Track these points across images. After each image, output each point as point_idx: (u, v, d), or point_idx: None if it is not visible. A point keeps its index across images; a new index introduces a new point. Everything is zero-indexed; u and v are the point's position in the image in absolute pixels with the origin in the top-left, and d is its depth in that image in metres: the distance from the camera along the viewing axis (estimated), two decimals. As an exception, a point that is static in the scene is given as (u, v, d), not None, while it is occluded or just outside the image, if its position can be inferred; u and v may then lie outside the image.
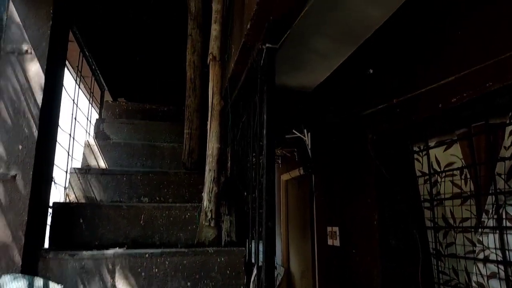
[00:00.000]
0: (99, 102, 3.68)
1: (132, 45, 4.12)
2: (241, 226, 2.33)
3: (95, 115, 3.75)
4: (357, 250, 2.99)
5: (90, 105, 3.30)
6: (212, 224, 2.18)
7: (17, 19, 1.92)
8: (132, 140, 3.21)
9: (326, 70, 3.30)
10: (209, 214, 2.17)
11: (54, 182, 2.21)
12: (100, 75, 3.33)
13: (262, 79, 1.91)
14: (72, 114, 2.63)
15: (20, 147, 1.84)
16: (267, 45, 1.84)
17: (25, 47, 1.91)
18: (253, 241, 2.04)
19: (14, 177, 1.82)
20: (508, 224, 1.91)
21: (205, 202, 2.18)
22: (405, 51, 2.43)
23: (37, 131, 1.85)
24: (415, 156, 2.65)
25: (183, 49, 3.01)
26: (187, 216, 2.32)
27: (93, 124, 3.29)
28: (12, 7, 1.93)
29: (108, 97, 3.87)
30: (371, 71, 2.67)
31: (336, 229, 3.39)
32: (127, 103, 3.74)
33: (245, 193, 2.36)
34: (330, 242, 3.51)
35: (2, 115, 1.84)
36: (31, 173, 1.83)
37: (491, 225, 2.02)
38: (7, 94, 1.87)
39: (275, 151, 1.79)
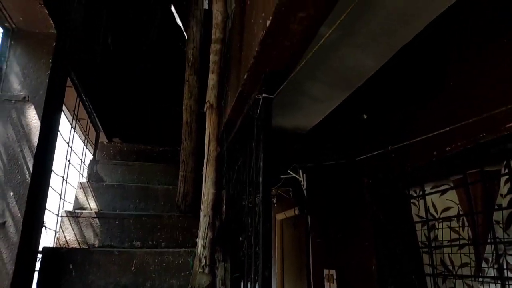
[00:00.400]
0: (93, 143, 3.69)
1: (128, 87, 4.21)
2: (236, 272, 2.28)
3: (89, 156, 3.74)
4: (354, 295, 2.93)
5: (85, 147, 3.31)
6: (206, 271, 2.13)
7: (17, 68, 1.96)
8: (126, 181, 3.19)
9: (320, 113, 3.37)
10: (203, 261, 2.12)
11: (45, 227, 2.17)
12: (96, 117, 3.36)
13: (258, 127, 1.94)
14: (66, 157, 2.63)
15: (12, 193, 1.82)
16: (263, 95, 1.89)
17: (22, 94, 1.94)
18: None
19: (4, 224, 1.78)
20: (510, 274, 1.89)
21: (200, 248, 2.14)
22: (399, 99, 2.50)
23: (30, 177, 1.84)
24: (412, 200, 2.66)
25: (177, 92, 3.08)
26: (180, 261, 2.28)
27: (87, 165, 3.28)
28: (12, 57, 1.98)
29: (103, 137, 3.88)
30: (365, 116, 2.73)
31: (333, 272, 3.32)
32: (122, 144, 3.75)
33: (241, 238, 2.33)
34: (327, 285, 3.43)
35: (-3, 161, 1.84)
36: (22, 220, 1.80)
37: (492, 274, 1.99)
38: (2, 140, 1.87)
39: (271, 199, 1.79)
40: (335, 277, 3.32)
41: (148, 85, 4.56)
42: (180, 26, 5.15)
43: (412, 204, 2.73)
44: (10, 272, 1.71)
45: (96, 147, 3.65)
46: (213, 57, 2.12)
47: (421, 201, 2.67)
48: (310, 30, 1.64)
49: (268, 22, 1.55)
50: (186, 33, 3.16)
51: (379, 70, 2.61)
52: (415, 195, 2.68)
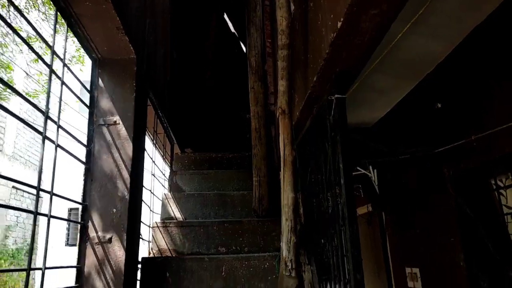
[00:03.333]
0: (169, 155, 3.92)
1: (194, 99, 4.42)
2: (320, 275, 2.30)
3: (165, 168, 3.99)
4: (443, 292, 2.81)
5: (164, 160, 3.53)
6: (293, 274, 2.17)
7: (106, 94, 2.15)
8: (203, 189, 3.35)
9: (386, 106, 3.27)
10: (289, 264, 2.17)
11: (142, 239, 2.36)
12: (170, 130, 3.57)
13: (333, 128, 1.95)
14: (151, 171, 2.83)
15: (115, 210, 2.00)
16: (336, 96, 1.89)
17: (114, 118, 2.12)
18: (336, 291, 2.00)
19: (111, 239, 1.97)
20: None
21: (284, 252, 2.19)
22: (477, 84, 2.36)
23: (128, 194, 2.01)
24: (500, 190, 2.50)
25: (240, 98, 3.18)
26: (266, 266, 2.34)
27: (167, 177, 3.50)
28: (101, 85, 2.17)
29: (176, 149, 4.12)
30: (439, 105, 2.61)
31: (416, 270, 3.21)
32: (194, 153, 3.94)
33: (322, 241, 2.35)
34: (410, 284, 3.32)
35: (98, 182, 2.04)
36: (125, 234, 1.97)
37: None
38: (101, 162, 2.07)
39: (355, 200, 1.79)
40: (419, 275, 3.21)
41: (212, 94, 4.76)
42: (235, 34, 5.30)
43: (500, 195, 2.57)
44: (121, 283, 1.89)
45: (172, 158, 3.88)
46: (281, 63, 2.17)
47: (509, 191, 2.49)
48: (382, 27, 1.62)
49: (339, 23, 1.56)
50: (247, 41, 3.24)
51: (450, 55, 2.49)
52: (502, 185, 2.51)
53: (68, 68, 1.84)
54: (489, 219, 2.43)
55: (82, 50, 6.49)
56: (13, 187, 10.10)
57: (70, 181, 4.94)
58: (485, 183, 2.49)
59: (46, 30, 5.91)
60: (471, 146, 2.32)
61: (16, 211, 10.37)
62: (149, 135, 3.01)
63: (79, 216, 1.98)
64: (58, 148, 1.70)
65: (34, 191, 1.47)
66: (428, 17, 2.17)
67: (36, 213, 1.42)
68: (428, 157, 2.77)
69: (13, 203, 9.91)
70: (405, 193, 3.26)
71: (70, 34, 1.98)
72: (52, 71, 1.69)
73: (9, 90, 7.20)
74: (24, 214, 10.68)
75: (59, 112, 1.72)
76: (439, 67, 2.59)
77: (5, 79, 6.71)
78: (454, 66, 2.49)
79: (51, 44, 1.70)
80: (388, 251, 3.68)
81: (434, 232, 2.85)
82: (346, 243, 1.76)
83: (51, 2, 1.75)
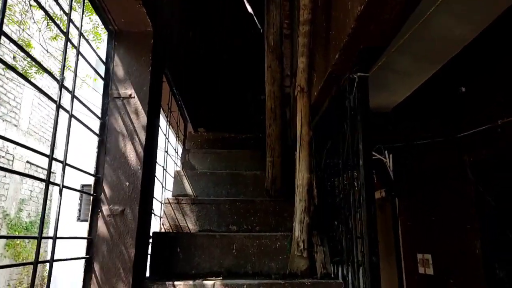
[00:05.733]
0: (182, 133, 3.90)
1: (209, 78, 4.37)
2: (332, 256, 2.27)
3: (175, 145, 3.97)
4: (455, 280, 2.76)
5: (177, 138, 3.51)
6: (304, 255, 2.15)
7: (122, 67, 2.11)
8: (216, 168, 3.34)
9: (406, 90, 3.18)
10: (301, 244, 2.15)
11: (154, 214, 2.35)
12: (184, 109, 3.54)
13: (353, 108, 1.89)
14: (165, 148, 2.81)
15: (127, 183, 1.98)
16: (358, 74, 1.83)
17: (129, 92, 2.09)
18: (349, 273, 1.98)
19: (123, 211, 1.96)
20: None
21: (297, 232, 2.16)
22: (504, 68, 2.25)
23: (141, 169, 1.99)
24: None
25: (254, 79, 3.12)
26: (277, 245, 2.32)
27: (179, 155, 3.48)
28: (117, 58, 2.13)
29: (189, 128, 4.10)
30: (463, 89, 2.52)
31: (428, 256, 3.17)
32: (208, 133, 3.92)
33: (336, 223, 2.32)
34: (421, 270, 3.29)
35: (111, 155, 2.02)
36: (137, 208, 1.96)
37: None
38: (115, 135, 2.04)
39: (374, 182, 1.74)
40: (431, 261, 3.16)
41: (226, 74, 4.70)
42: (251, 13, 5.19)
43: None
44: (132, 256, 1.88)
45: (185, 137, 3.86)
46: (302, 40, 2.09)
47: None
48: (413, 0, 1.54)
49: (368, -4, 1.48)
50: (266, 19, 3.15)
51: (476, 38, 2.38)
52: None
53: (84, 37, 1.80)
54: (510, 208, 2.36)
55: (99, 29, 6.46)
56: (27, 162, 10.27)
57: (84, 155, 4.97)
58: (508, 171, 2.41)
59: (64, 5, 5.87)
60: (496, 132, 2.23)
61: (30, 186, 10.58)
62: (163, 112, 2.98)
63: (92, 188, 1.97)
64: (72, 119, 1.67)
65: (47, 164, 1.45)
66: (459, -5, 2.07)
67: (48, 182, 1.40)
68: (448, 143, 2.69)
69: (26, 178, 10.09)
70: (421, 179, 3.19)
71: (88, 8, 1.93)
72: (68, 40, 1.65)
73: (34, 68, 7.24)
74: (37, 189, 10.88)
75: (74, 81, 1.68)
76: (464, 50, 2.49)
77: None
78: (480, 49, 2.39)
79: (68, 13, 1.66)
80: (400, 237, 3.64)
81: (449, 218, 2.80)
82: (362, 226, 1.72)
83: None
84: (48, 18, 1.64)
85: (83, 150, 6.48)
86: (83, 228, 2.03)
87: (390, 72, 2.90)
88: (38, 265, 1.43)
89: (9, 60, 8.52)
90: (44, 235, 1.57)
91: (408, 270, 3.52)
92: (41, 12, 5.96)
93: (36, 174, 10.74)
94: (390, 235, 4.09)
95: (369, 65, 1.89)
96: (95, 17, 5.27)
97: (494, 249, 2.40)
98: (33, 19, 5.95)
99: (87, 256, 1.92)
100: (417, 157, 3.25)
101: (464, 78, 2.62)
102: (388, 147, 3.67)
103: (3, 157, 9.25)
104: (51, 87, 11.16)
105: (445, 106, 2.83)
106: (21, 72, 6.38)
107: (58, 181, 1.61)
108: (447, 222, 2.86)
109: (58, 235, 1.58)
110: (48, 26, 5.88)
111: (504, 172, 2.39)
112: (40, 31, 5.66)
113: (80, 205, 11.54)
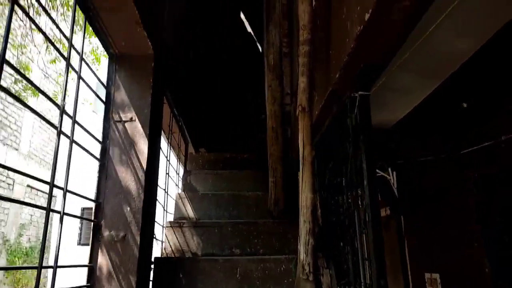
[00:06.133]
0: (184, 154, 3.88)
1: (212, 98, 4.40)
2: (338, 279, 2.22)
3: (178, 167, 3.95)
4: (465, 300, 2.69)
5: (178, 159, 3.49)
6: (310, 278, 2.09)
7: (123, 90, 2.11)
8: (217, 190, 3.30)
9: (407, 106, 3.17)
10: (306, 268, 2.09)
11: (156, 239, 2.31)
12: (185, 130, 3.54)
13: (355, 127, 1.87)
14: (166, 170, 2.78)
15: (129, 208, 1.95)
16: (359, 92, 1.82)
17: (130, 115, 2.08)
18: (357, 297, 1.92)
19: (124, 237, 1.92)
20: None
21: (302, 255, 2.11)
22: (506, 84, 2.25)
23: (143, 193, 1.97)
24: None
25: (254, 98, 3.12)
26: (282, 268, 2.27)
27: (181, 176, 3.45)
28: (118, 80, 2.13)
29: (190, 149, 4.09)
30: (464, 105, 2.51)
31: (436, 276, 3.10)
32: (209, 153, 3.90)
33: (341, 244, 2.27)
34: (430, 290, 3.20)
35: (112, 180, 1.99)
36: (139, 233, 1.92)
37: None
38: (116, 159, 2.02)
39: (379, 202, 1.70)
40: (439, 281, 3.09)
41: (227, 94, 4.72)
42: (250, 33, 5.26)
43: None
44: (133, 283, 1.83)
45: (186, 158, 3.84)
46: (302, 60, 2.09)
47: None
48: (413, 19, 1.54)
49: (367, 16, 1.48)
50: (265, 38, 3.18)
51: (477, 53, 2.38)
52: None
53: (85, 62, 1.80)
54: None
55: (98, 51, 6.52)
56: (28, 185, 10.22)
57: (85, 180, 4.94)
58: (511, 187, 2.38)
59: (64, 29, 5.94)
60: (499, 148, 2.21)
61: (31, 210, 10.49)
62: (164, 133, 2.97)
63: (93, 214, 1.94)
64: (73, 145, 1.66)
65: (48, 190, 1.43)
66: (457, 12, 2.08)
67: (49, 209, 1.37)
68: (452, 160, 2.66)
69: (27, 201, 10.02)
70: (426, 196, 3.14)
71: (88, 31, 1.94)
72: (69, 64, 1.65)
73: (29, 91, 7.28)
74: (37, 213, 10.79)
75: (75, 106, 1.68)
76: (465, 65, 2.49)
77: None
78: (481, 65, 2.39)
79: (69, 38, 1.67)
80: (407, 256, 3.56)
81: (454, 237, 2.74)
82: (369, 247, 1.68)
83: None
84: (48, 42, 1.64)
85: (84, 173, 6.45)
86: (83, 252, 1.99)
87: (390, 90, 2.89)
88: (37, 295, 1.39)
89: (9, 83, 8.58)
90: (44, 261, 1.53)
91: (416, 290, 3.43)
92: (41, 36, 6.03)
93: (36, 198, 10.68)
94: (396, 254, 4.01)
95: (370, 84, 1.88)
96: (95, 40, 5.33)
97: (502, 269, 2.34)
98: (34, 42, 6.02)
99: (88, 284, 1.87)
100: (420, 174, 3.21)
101: (465, 94, 2.61)
102: (391, 164, 3.64)
103: (3, 181, 9.21)
104: (52, 110, 11.21)
105: (447, 122, 2.82)
106: (19, 96, 6.41)
107: (58, 205, 1.58)
108: (452, 240, 2.80)
109: (58, 262, 1.54)
110: (47, 50, 5.94)
111: (508, 187, 2.36)
112: (39, 53, 5.72)
113: (80, 229, 11.41)
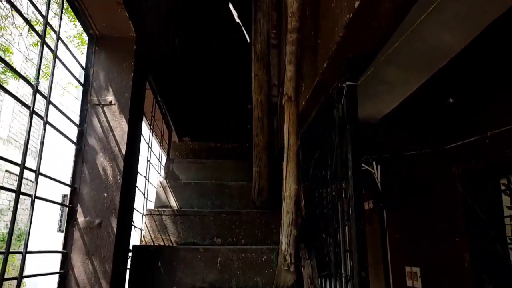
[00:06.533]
0: (167, 142, 3.81)
1: (197, 86, 4.31)
2: (320, 270, 2.20)
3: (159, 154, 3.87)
4: (444, 294, 2.72)
5: (161, 147, 3.41)
6: (291, 269, 2.07)
7: (102, 73, 2.03)
8: (200, 179, 3.24)
9: (394, 100, 3.16)
10: (288, 258, 2.07)
11: (134, 226, 2.25)
12: (169, 117, 3.46)
13: (342, 118, 1.84)
14: (147, 158, 2.71)
15: (106, 194, 1.89)
16: (347, 83, 1.78)
17: (109, 98, 2.00)
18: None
19: (100, 224, 1.86)
20: None
21: (284, 246, 2.09)
22: (493, 79, 2.25)
23: (121, 179, 1.90)
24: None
25: (241, 88, 3.06)
26: (263, 259, 2.25)
27: (163, 164, 3.38)
28: (98, 62, 2.05)
29: (173, 137, 4.01)
30: (451, 100, 2.50)
31: (416, 269, 3.13)
32: (193, 142, 3.83)
33: (323, 235, 2.25)
34: (409, 283, 3.24)
35: (89, 164, 1.92)
36: (116, 220, 1.86)
37: None
38: (93, 144, 1.95)
39: (363, 194, 1.68)
40: (419, 274, 3.12)
41: (212, 83, 4.64)
42: (238, 23, 5.17)
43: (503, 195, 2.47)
44: (109, 271, 1.78)
45: (169, 146, 3.77)
46: (289, 48, 2.05)
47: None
48: (402, 9, 1.50)
49: (357, 3, 1.44)
50: (253, 28, 3.11)
51: (465, 48, 2.37)
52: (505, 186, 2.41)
53: (62, 40, 1.71)
54: (499, 220, 2.34)
55: (84, 35, 6.32)
56: (7, 171, 9.96)
57: (64, 166, 4.81)
58: (496, 182, 2.39)
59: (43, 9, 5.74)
60: (484, 144, 2.22)
61: (9, 196, 10.24)
62: (147, 120, 2.90)
63: (68, 199, 1.87)
64: (48, 127, 1.58)
65: (30, 176, 1.36)
66: (447, 5, 2.06)
67: (18, 192, 1.30)
68: (436, 154, 2.67)
69: (5, 186, 9.77)
70: (409, 190, 3.16)
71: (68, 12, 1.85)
72: (44, 42, 1.56)
73: (9, 73, 7.03)
74: (17, 199, 10.54)
75: (50, 86, 1.60)
76: (452, 61, 2.48)
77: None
78: (469, 60, 2.38)
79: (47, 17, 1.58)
80: (388, 250, 3.59)
81: (438, 231, 2.76)
82: (351, 239, 1.66)
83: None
84: (25, 22, 1.55)
85: (64, 159, 6.30)
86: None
87: (378, 82, 2.88)
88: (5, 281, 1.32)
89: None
90: (21, 247, 1.46)
91: (396, 283, 3.47)
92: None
93: (15, 184, 10.43)
94: (378, 247, 4.04)
95: (358, 74, 1.85)
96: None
97: (483, 262, 2.37)
98: (15, 24, 5.81)
99: (62, 271, 1.81)
100: (405, 168, 3.22)
101: (453, 89, 2.61)
102: (376, 158, 3.64)
103: (-20, 166, 8.96)
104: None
105: (433, 117, 2.82)
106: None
107: (39, 190, 1.51)
108: (435, 234, 2.82)
109: (31, 249, 1.48)
110: (29, 32, 5.74)
111: (492, 183, 2.37)
112: (20, 35, 5.51)
113: (61, 215, 11.22)
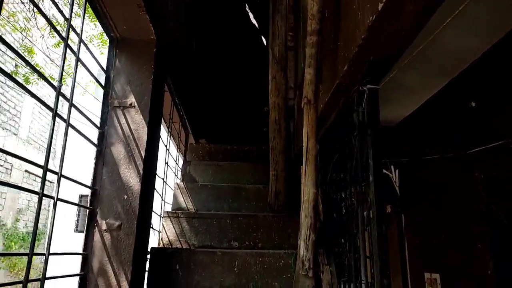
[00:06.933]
0: (184, 144, 3.82)
1: (215, 89, 4.33)
2: (339, 276, 2.17)
3: (176, 156, 3.89)
4: (465, 302, 2.65)
5: (178, 149, 3.43)
6: (310, 274, 2.04)
7: (123, 75, 2.05)
8: (217, 181, 3.25)
9: (413, 104, 3.11)
10: (306, 263, 2.04)
11: (153, 228, 2.26)
12: (186, 120, 3.48)
13: (362, 122, 1.81)
14: (165, 159, 2.73)
15: (126, 196, 1.90)
16: (368, 86, 1.76)
17: (129, 101, 2.02)
18: (357, 295, 1.87)
19: (120, 226, 1.87)
20: None
21: (302, 250, 2.06)
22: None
23: (140, 181, 1.91)
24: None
25: (255, 91, 3.05)
26: (281, 263, 2.23)
27: (180, 166, 3.40)
28: (118, 65, 2.07)
29: (190, 139, 4.03)
30: (473, 104, 2.44)
31: (436, 276, 3.05)
32: (209, 145, 3.84)
33: (342, 241, 2.22)
34: (428, 290, 3.16)
35: (109, 166, 1.93)
36: (136, 222, 1.87)
37: None
38: (114, 145, 1.96)
39: (384, 199, 1.65)
40: (439, 281, 3.05)
41: (230, 86, 4.65)
42: (254, 25, 5.17)
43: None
44: (128, 273, 1.79)
45: (186, 148, 3.78)
46: (309, 50, 2.03)
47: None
48: (427, 11, 1.47)
49: (380, 5, 1.41)
50: (271, 30, 3.10)
51: (487, 52, 2.31)
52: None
53: (84, 43, 1.73)
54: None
55: (105, 35, 6.40)
56: (26, 171, 10.18)
57: (83, 167, 4.88)
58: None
59: (67, 13, 5.85)
60: (508, 149, 2.15)
61: (28, 196, 10.45)
62: (164, 123, 2.91)
63: (88, 200, 1.88)
64: (69, 129, 1.60)
65: (49, 175, 1.37)
66: (471, 8, 2.01)
67: (41, 194, 1.32)
68: (458, 159, 2.60)
69: (24, 186, 9.99)
70: (429, 195, 3.09)
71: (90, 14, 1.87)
72: (67, 45, 1.59)
73: (36, 75, 7.17)
74: (35, 198, 10.76)
75: (73, 88, 1.61)
76: (474, 64, 2.43)
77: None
78: (491, 64, 2.32)
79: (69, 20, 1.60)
80: (407, 255, 3.52)
81: (458, 236, 2.70)
82: (372, 245, 1.63)
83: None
84: (49, 25, 1.58)
85: (84, 160, 6.39)
86: (80, 239, 1.95)
87: (397, 86, 2.83)
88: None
89: (10, 68, 8.50)
90: (40, 246, 1.47)
91: (414, 290, 3.39)
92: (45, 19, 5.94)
93: (34, 184, 10.64)
94: (396, 252, 3.96)
95: (379, 77, 1.82)
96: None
97: (505, 270, 2.30)
98: (37, 26, 5.92)
99: (82, 273, 1.82)
100: (424, 172, 3.16)
101: (474, 93, 2.55)
102: (394, 162, 3.58)
103: (1, 165, 9.16)
104: (54, 96, 11.13)
105: (454, 121, 2.75)
106: (22, 79, 6.32)
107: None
108: (456, 240, 2.76)
109: (52, 249, 1.49)
110: (50, 33, 5.85)
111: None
112: (43, 37, 5.62)
113: (78, 215, 11.40)
